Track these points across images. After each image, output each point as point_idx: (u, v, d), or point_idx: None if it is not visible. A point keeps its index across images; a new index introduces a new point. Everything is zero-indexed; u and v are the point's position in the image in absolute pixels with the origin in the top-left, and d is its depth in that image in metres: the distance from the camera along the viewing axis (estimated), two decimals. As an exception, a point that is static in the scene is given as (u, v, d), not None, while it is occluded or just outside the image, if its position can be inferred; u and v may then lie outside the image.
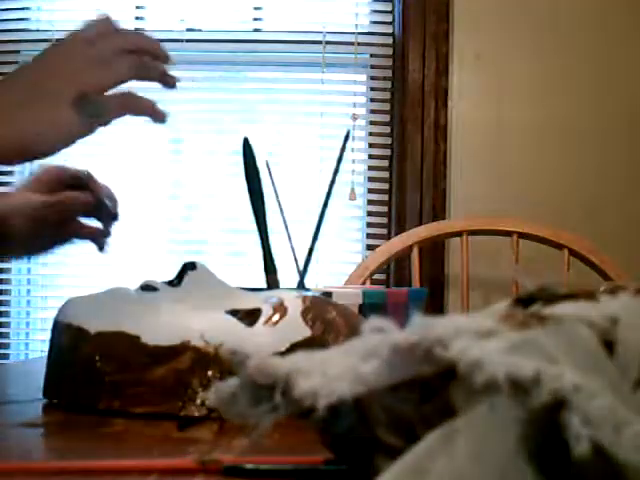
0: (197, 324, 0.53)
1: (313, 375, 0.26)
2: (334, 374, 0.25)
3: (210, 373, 0.51)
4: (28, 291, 2.06)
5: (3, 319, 2.02)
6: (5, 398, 0.60)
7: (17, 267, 2.05)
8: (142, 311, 0.53)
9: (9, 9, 2.03)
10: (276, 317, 0.55)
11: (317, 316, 0.55)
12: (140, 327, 0.52)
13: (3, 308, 2.02)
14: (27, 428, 0.48)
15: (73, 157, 2.08)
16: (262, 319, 0.55)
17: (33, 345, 2.04)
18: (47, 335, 1.92)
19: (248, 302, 0.57)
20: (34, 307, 2.06)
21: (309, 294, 0.58)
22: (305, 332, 0.54)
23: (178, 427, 0.47)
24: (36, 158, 0.59)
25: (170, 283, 0.58)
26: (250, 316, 0.55)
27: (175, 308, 0.54)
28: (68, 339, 0.54)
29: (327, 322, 0.56)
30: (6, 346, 2.01)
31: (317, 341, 0.54)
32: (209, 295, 0.57)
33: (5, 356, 2.00)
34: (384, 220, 1.94)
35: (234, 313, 0.55)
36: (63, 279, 2.09)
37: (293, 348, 0.52)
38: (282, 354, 0.51)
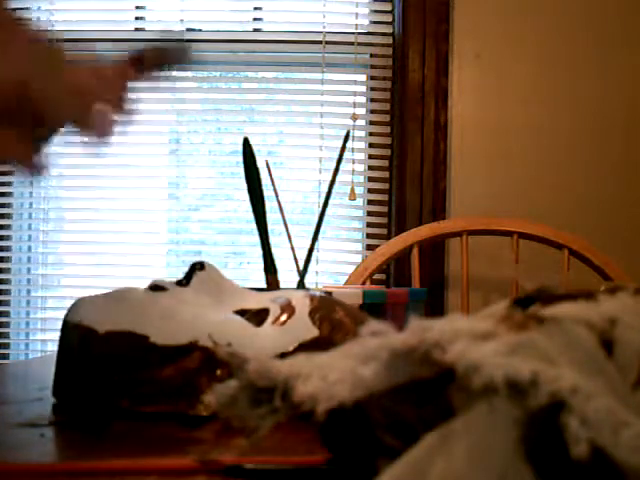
0: (205, 324, 0.53)
1: (312, 379, 0.26)
2: (334, 378, 0.25)
3: (218, 373, 0.51)
4: (28, 291, 2.06)
5: (3, 319, 2.02)
6: (5, 398, 0.60)
7: (17, 267, 2.05)
8: (151, 311, 0.54)
9: (9, 9, 2.03)
10: (284, 317, 0.55)
11: (325, 316, 0.56)
12: (149, 327, 0.52)
13: (3, 308, 2.02)
14: (27, 428, 0.48)
15: (72, 157, 2.08)
16: (270, 319, 0.55)
17: (33, 345, 2.04)
18: (47, 335, 1.90)
19: (256, 302, 0.57)
20: (34, 307, 2.06)
21: (316, 294, 0.59)
22: (313, 332, 0.54)
23: (186, 426, 0.48)
24: None
25: (179, 283, 0.58)
26: (258, 316, 0.55)
27: (183, 308, 0.54)
28: (77, 339, 0.54)
29: (335, 322, 0.56)
30: (6, 346, 2.02)
31: (325, 341, 0.54)
32: (217, 295, 0.57)
33: (5, 356, 2.00)
34: (384, 220, 1.94)
35: (242, 313, 0.56)
36: (63, 279, 2.09)
37: (301, 348, 0.53)
38: (290, 354, 0.51)
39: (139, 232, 2.02)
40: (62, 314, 0.58)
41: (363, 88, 1.97)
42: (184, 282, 0.58)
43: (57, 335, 0.58)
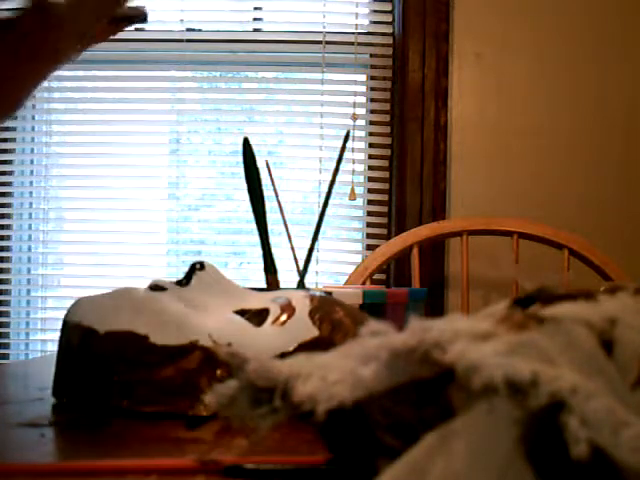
0: (205, 324, 0.53)
1: (312, 379, 0.26)
2: (333, 378, 0.25)
3: (218, 372, 0.51)
4: (28, 291, 2.06)
5: (3, 319, 2.02)
6: (5, 398, 0.60)
7: (17, 267, 2.05)
8: (151, 311, 0.54)
9: (9, 9, 2.03)
10: (284, 317, 0.55)
11: (325, 316, 0.56)
12: (149, 327, 0.52)
13: (3, 308, 2.02)
14: (27, 428, 0.48)
15: (74, 156, 2.08)
16: (270, 319, 0.55)
17: (33, 345, 2.04)
18: (47, 335, 1.90)
19: (256, 302, 0.57)
20: (34, 307, 2.06)
21: (317, 294, 0.59)
22: (313, 332, 0.54)
23: (186, 426, 0.48)
24: None
25: (179, 283, 0.58)
26: (258, 316, 0.55)
27: (183, 308, 0.54)
28: (77, 338, 0.55)
29: (335, 322, 0.56)
30: (6, 346, 2.02)
31: (325, 341, 0.54)
32: (217, 295, 0.57)
33: (5, 356, 2.00)
34: (384, 220, 1.94)
35: (242, 313, 0.56)
36: (63, 279, 2.09)
37: (301, 348, 0.53)
38: (290, 354, 0.51)
39: (139, 232, 2.02)
40: (62, 314, 0.58)
41: (363, 88, 1.97)
42: (184, 282, 0.58)
43: (57, 335, 0.58)
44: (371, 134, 1.95)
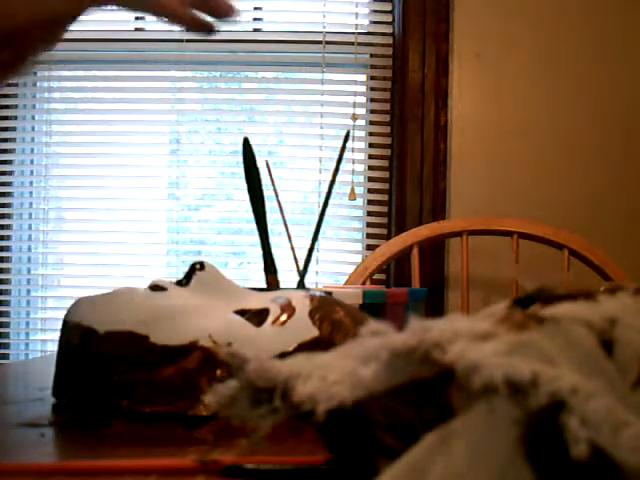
0: (205, 324, 0.53)
1: (312, 379, 0.26)
2: (333, 378, 0.25)
3: (218, 372, 0.51)
4: (28, 291, 2.06)
5: (3, 319, 2.02)
6: (5, 398, 0.60)
7: (17, 267, 2.05)
8: (151, 311, 0.54)
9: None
10: (284, 317, 0.55)
11: (325, 316, 0.56)
12: (149, 327, 0.52)
13: (3, 308, 2.02)
14: (27, 428, 0.48)
15: (74, 156, 2.08)
16: (270, 319, 0.55)
17: (33, 345, 2.04)
18: (47, 335, 1.90)
19: (256, 302, 0.57)
20: (34, 307, 2.06)
21: (316, 294, 0.58)
22: (313, 332, 0.54)
23: (185, 427, 0.48)
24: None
25: (179, 283, 0.58)
26: (258, 316, 0.55)
27: (183, 308, 0.54)
28: (77, 339, 0.55)
29: (335, 322, 0.56)
30: (6, 346, 2.02)
31: (325, 341, 0.54)
32: (217, 295, 0.57)
33: (5, 356, 2.00)
34: (384, 220, 1.94)
35: (242, 313, 0.56)
36: (63, 279, 2.09)
37: (300, 348, 0.53)
38: (289, 354, 0.51)
39: (139, 232, 2.02)
40: (62, 314, 0.58)
41: (363, 88, 1.97)
42: (184, 282, 0.58)
43: (57, 335, 0.58)
44: (371, 134, 1.95)
